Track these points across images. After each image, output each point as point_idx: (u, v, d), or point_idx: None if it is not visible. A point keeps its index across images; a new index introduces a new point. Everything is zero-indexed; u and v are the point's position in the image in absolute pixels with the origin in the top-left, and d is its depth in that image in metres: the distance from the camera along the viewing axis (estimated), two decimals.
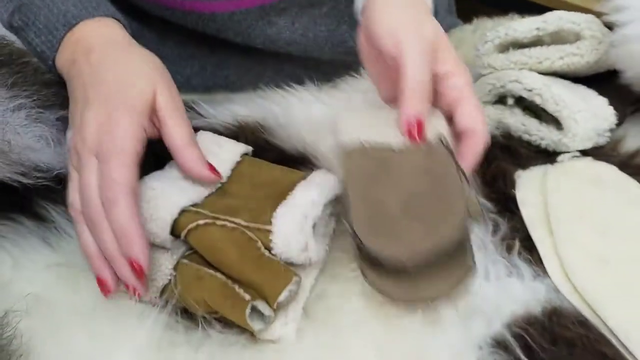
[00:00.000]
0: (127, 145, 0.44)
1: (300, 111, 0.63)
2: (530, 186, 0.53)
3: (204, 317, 0.45)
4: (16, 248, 0.50)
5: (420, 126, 0.47)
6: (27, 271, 0.49)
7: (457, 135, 0.49)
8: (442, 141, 0.49)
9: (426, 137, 0.48)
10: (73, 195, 0.46)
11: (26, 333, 0.44)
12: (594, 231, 0.49)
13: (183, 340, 0.45)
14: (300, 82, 0.66)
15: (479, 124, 0.48)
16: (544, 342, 0.44)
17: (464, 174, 0.48)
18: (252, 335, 0.45)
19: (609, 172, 0.55)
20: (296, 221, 0.45)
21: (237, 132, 0.59)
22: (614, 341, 0.44)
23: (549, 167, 0.55)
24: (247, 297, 0.43)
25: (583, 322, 0.45)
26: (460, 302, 0.47)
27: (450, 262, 0.45)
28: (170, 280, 0.46)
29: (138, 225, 0.43)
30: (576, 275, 0.47)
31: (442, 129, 0.50)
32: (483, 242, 0.51)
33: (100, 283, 0.45)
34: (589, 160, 0.56)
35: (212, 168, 0.48)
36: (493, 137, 0.59)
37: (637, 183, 0.54)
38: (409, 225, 0.45)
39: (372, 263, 0.45)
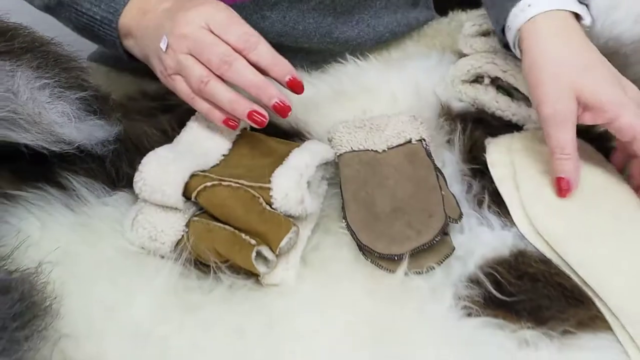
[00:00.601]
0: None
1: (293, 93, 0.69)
2: (498, 150, 0.60)
3: (215, 263, 0.51)
4: (43, 213, 0.55)
5: None
6: (53, 232, 0.54)
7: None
8: (423, 145, 0.57)
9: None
10: (182, 86, 0.57)
11: (57, 281, 0.50)
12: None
13: (196, 286, 0.51)
14: None
15: None
16: (511, 278, 0.51)
17: (442, 176, 0.57)
18: (257, 280, 0.52)
19: None
20: (292, 179, 0.51)
21: None
22: (572, 276, 0.50)
23: (515, 133, 0.62)
24: (253, 242, 0.49)
25: (545, 261, 0.52)
26: None
27: (434, 247, 0.52)
28: (183, 235, 0.53)
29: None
30: (539, 222, 0.54)
31: (423, 133, 0.57)
32: (458, 198, 0.58)
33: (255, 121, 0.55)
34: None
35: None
36: (469, 112, 0.67)
37: (594, 149, 0.61)
38: (397, 225, 0.53)
39: (367, 251, 0.52)
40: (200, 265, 0.52)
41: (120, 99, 0.70)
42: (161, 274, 0.51)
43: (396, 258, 0.51)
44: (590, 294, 0.49)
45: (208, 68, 0.56)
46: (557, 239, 0.52)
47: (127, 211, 0.56)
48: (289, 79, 0.56)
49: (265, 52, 0.56)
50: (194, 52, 0.56)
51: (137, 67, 0.70)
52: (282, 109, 0.55)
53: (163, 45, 0.57)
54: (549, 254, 0.52)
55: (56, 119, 0.55)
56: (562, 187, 0.54)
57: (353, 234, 0.53)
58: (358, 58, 0.73)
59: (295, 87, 0.57)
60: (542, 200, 0.55)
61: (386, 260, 0.52)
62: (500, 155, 0.59)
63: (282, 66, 0.56)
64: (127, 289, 0.50)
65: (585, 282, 0.49)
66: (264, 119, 0.55)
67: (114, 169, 0.60)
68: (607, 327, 0.47)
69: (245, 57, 0.56)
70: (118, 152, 0.61)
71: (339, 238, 0.55)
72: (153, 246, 0.53)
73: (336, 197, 0.58)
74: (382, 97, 0.67)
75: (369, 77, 0.70)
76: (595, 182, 0.56)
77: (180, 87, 0.58)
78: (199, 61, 0.56)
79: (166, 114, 0.67)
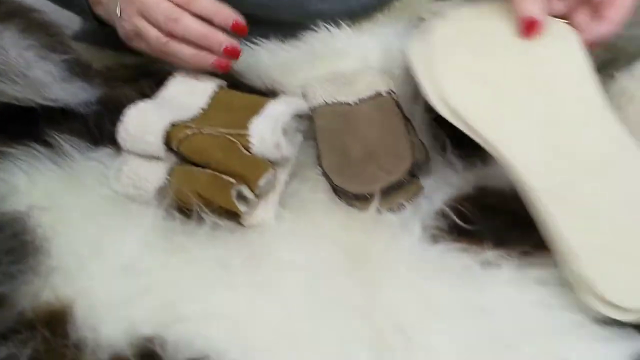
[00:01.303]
0: None
1: (268, 58, 0.73)
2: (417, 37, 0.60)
3: (198, 206, 0.54)
4: (31, 167, 0.58)
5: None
6: (40, 184, 0.57)
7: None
8: (392, 97, 0.60)
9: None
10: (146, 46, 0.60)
11: (46, 225, 0.52)
12: (471, 53, 0.56)
13: (180, 230, 0.54)
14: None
15: None
16: (473, 210, 0.54)
17: (411, 124, 0.60)
18: (239, 223, 0.55)
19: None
20: (269, 124, 0.55)
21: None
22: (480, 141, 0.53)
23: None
24: (233, 181, 0.52)
25: (504, 194, 0.55)
26: None
27: (404, 187, 0.56)
28: (165, 183, 0.56)
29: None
30: (452, 95, 0.54)
31: (392, 86, 0.61)
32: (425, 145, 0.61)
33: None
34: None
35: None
36: None
37: None
38: (368, 168, 0.56)
39: (342, 193, 0.56)
40: (183, 210, 0.55)
41: (100, 69, 0.73)
42: (146, 217, 0.54)
43: (368, 197, 0.54)
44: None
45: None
46: (473, 115, 0.53)
47: (111, 165, 0.58)
48: (233, 22, 0.60)
49: (206, 3, 0.59)
50: (143, 14, 0.59)
51: (117, 44, 0.73)
52: (233, 52, 0.59)
53: (117, 11, 0.60)
54: (465, 129, 0.54)
55: (42, 77, 0.58)
56: (526, 26, 0.54)
57: (328, 177, 0.56)
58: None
59: (240, 30, 0.60)
60: (457, 71, 0.55)
61: (359, 200, 0.55)
62: (418, 41, 0.60)
63: (224, 13, 0.60)
64: (113, 231, 0.53)
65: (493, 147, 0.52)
66: (236, 51, 0.59)
67: (97, 129, 0.63)
68: None
69: (189, 11, 0.59)
70: (101, 113, 0.64)
71: (315, 184, 0.58)
72: (137, 194, 0.56)
73: (311, 148, 0.61)
74: (354, 59, 0.71)
75: (341, 41, 0.73)
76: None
77: (146, 48, 0.61)
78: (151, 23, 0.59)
79: (146, 78, 0.70)
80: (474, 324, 0.46)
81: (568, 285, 0.47)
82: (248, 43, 0.75)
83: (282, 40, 0.77)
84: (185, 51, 0.59)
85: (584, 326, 0.46)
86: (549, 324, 0.46)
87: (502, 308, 0.47)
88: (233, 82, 0.68)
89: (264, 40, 0.75)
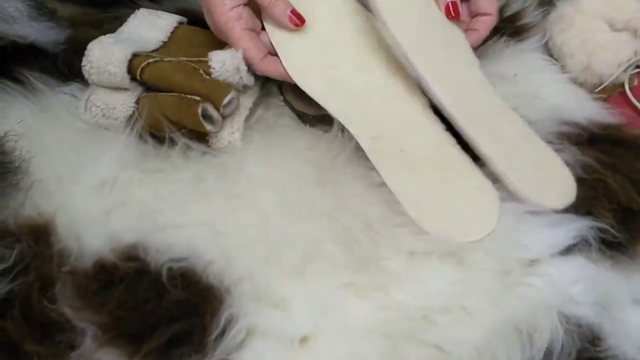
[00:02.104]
0: None
1: None
2: None
3: (168, 128, 0.56)
4: (2, 102, 0.60)
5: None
6: (12, 117, 0.58)
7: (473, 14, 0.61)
8: None
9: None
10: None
11: (23, 149, 0.54)
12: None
13: (153, 153, 0.56)
14: None
15: (494, 10, 0.60)
16: None
17: None
18: (208, 146, 0.57)
19: None
20: (228, 51, 0.57)
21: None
22: None
23: None
24: (197, 99, 0.54)
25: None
26: None
27: None
28: (134, 111, 0.58)
29: None
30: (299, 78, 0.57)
31: None
32: None
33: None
34: None
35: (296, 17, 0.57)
36: None
37: None
38: None
39: (304, 118, 0.59)
40: (155, 134, 0.57)
41: (65, 16, 0.74)
42: (119, 141, 0.55)
43: (327, 117, 0.57)
44: None
45: None
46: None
47: (81, 97, 0.60)
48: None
49: None
50: None
51: None
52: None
53: None
54: None
55: (11, 13, 0.59)
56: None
57: (289, 104, 0.59)
58: None
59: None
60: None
61: (320, 122, 0.58)
62: None
63: None
64: (88, 154, 0.55)
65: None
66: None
67: (66, 67, 0.64)
68: None
69: None
70: (69, 52, 0.65)
71: (279, 110, 0.61)
72: (107, 123, 0.57)
73: (275, 81, 0.64)
74: None
75: None
76: None
77: None
78: None
79: (112, 23, 0.71)
80: None
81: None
82: None
83: None
84: None
85: (534, 215, 0.50)
86: (503, 216, 0.50)
87: None
88: (198, 22, 0.70)
89: None
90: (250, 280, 0.46)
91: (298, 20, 0.57)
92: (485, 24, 0.61)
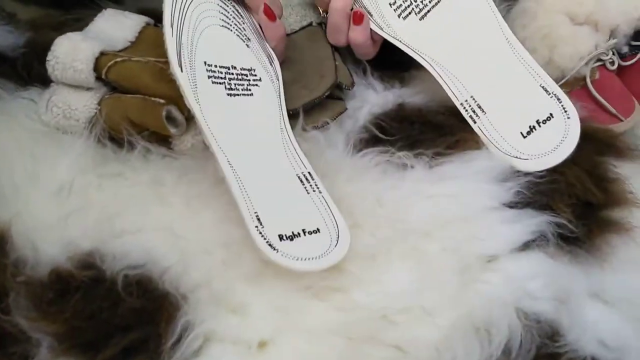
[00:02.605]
0: None
1: None
2: None
3: (128, 131, 0.55)
4: None
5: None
6: None
7: None
8: (322, 27, 0.64)
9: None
10: None
11: None
12: None
13: (114, 157, 0.56)
14: None
15: None
16: (392, 123, 0.59)
17: (339, 52, 0.63)
18: (170, 148, 0.57)
19: None
20: None
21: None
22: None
23: None
24: (162, 101, 0.54)
25: (419, 108, 0.59)
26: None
27: (328, 106, 0.59)
28: (96, 112, 0.57)
29: None
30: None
31: (322, 18, 0.64)
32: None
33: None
34: None
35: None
36: None
37: None
38: (294, 89, 0.59)
39: None
40: (115, 138, 0.57)
41: (25, 19, 0.73)
42: (78, 145, 0.55)
43: (291, 113, 0.57)
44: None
45: None
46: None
47: (40, 100, 0.59)
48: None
49: None
50: None
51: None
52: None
53: None
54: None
55: None
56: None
57: None
58: None
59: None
60: None
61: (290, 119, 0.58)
62: None
63: None
64: (46, 159, 0.54)
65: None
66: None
67: (25, 71, 0.63)
68: (471, 146, 0.55)
69: None
70: (29, 55, 0.65)
71: None
72: (68, 124, 0.57)
73: None
74: None
75: None
76: None
77: None
78: None
79: (74, 25, 0.70)
80: (390, 216, 0.50)
81: (481, 176, 0.52)
82: None
83: None
84: None
85: (493, 210, 0.50)
86: (461, 212, 0.50)
87: (416, 201, 0.51)
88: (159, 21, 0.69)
89: None
90: (208, 285, 0.46)
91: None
92: None
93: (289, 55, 0.61)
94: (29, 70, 0.63)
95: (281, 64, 0.60)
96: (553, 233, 0.49)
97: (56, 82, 0.58)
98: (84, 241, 0.49)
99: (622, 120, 0.64)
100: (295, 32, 0.64)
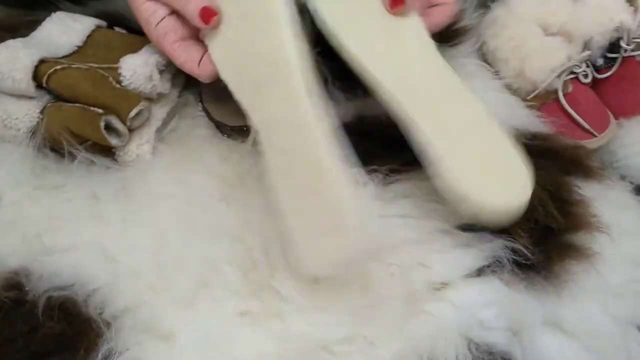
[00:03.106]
0: None
1: None
2: None
3: (72, 146, 0.52)
4: None
5: None
6: None
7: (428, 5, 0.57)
8: None
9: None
10: None
11: None
12: None
13: (55, 168, 0.53)
14: None
15: None
16: (350, 137, 0.55)
17: None
18: (114, 159, 0.54)
19: None
20: (141, 58, 0.54)
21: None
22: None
23: None
24: (100, 111, 0.51)
25: (382, 120, 0.56)
26: None
27: None
28: (38, 122, 0.54)
29: None
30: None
31: None
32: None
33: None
34: None
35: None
36: None
37: None
38: None
39: (222, 127, 0.56)
40: (56, 148, 0.54)
41: None
42: (15, 155, 0.52)
43: (245, 129, 0.54)
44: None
45: None
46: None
47: None
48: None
49: None
50: None
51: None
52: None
53: None
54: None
55: None
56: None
57: (207, 113, 0.56)
58: None
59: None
60: None
61: (238, 132, 0.55)
62: None
63: None
64: None
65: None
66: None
67: None
68: None
69: None
70: None
71: (196, 121, 0.58)
72: (8, 134, 0.54)
73: (196, 87, 0.61)
74: None
75: None
76: None
77: None
78: None
79: (31, 27, 0.68)
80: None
81: (437, 196, 0.49)
82: None
83: None
84: None
85: (446, 234, 0.47)
86: (412, 234, 0.47)
87: (366, 221, 0.48)
88: (120, 25, 0.67)
89: None
90: (135, 310, 0.43)
91: (207, 18, 0.53)
92: (441, 12, 0.56)
93: None
94: None
95: None
96: (509, 259, 0.46)
97: None
98: (11, 259, 0.46)
99: (596, 136, 0.61)
100: None
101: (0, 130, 0.54)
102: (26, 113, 0.54)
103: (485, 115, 0.49)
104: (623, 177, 0.59)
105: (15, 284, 0.44)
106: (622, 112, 0.63)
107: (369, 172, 0.51)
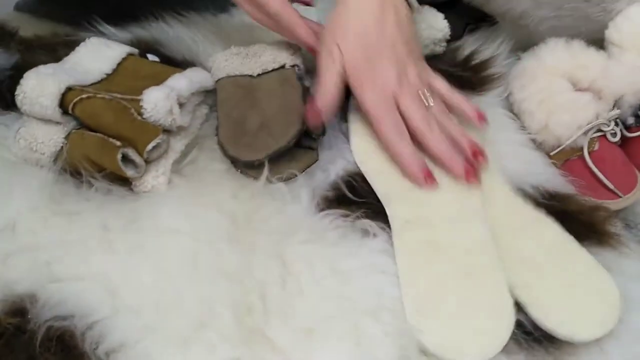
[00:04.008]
0: None
1: (191, 30, 0.73)
2: None
3: (90, 174, 0.54)
4: None
5: None
6: None
7: None
8: (295, 70, 0.61)
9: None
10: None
11: None
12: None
13: (74, 192, 0.55)
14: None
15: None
16: (364, 185, 0.56)
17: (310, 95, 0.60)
18: (130, 189, 0.55)
19: None
20: (162, 91, 0.55)
21: (133, 45, 0.69)
22: None
23: None
24: (118, 143, 0.53)
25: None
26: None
27: (296, 156, 0.57)
28: (62, 147, 0.56)
29: None
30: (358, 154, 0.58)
31: (296, 60, 0.62)
32: (331, 122, 0.62)
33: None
34: None
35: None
36: None
37: None
38: (260, 136, 0.57)
39: (236, 163, 0.57)
40: (77, 174, 0.55)
41: (29, 36, 0.74)
42: (36, 180, 0.54)
43: (257, 163, 0.55)
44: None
45: None
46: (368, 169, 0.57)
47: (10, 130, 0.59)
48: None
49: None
50: None
51: (54, 14, 0.73)
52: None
53: None
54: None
55: None
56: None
57: (222, 148, 0.57)
58: None
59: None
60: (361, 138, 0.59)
61: (250, 169, 0.56)
62: None
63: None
64: (2, 191, 0.53)
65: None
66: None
67: (9, 93, 0.63)
68: None
69: None
70: (15, 78, 0.64)
71: (213, 154, 0.59)
72: (34, 157, 0.56)
73: (215, 120, 0.62)
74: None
75: None
76: None
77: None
78: None
79: (67, 48, 0.70)
80: (337, 289, 0.47)
81: None
82: (174, 14, 0.76)
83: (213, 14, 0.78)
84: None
85: None
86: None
87: (369, 274, 0.48)
88: (150, 50, 0.68)
89: (189, 12, 0.76)
90: (129, 348, 0.44)
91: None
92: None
93: (258, 98, 0.59)
94: (13, 93, 0.63)
95: (249, 108, 0.58)
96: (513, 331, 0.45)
97: (26, 114, 0.57)
98: (20, 284, 0.47)
99: (620, 197, 0.59)
100: (267, 72, 0.61)
101: (26, 153, 0.56)
102: (51, 138, 0.56)
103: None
104: None
105: (20, 310, 0.46)
106: None
107: (379, 224, 0.51)
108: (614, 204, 0.58)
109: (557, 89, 0.60)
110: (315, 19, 0.70)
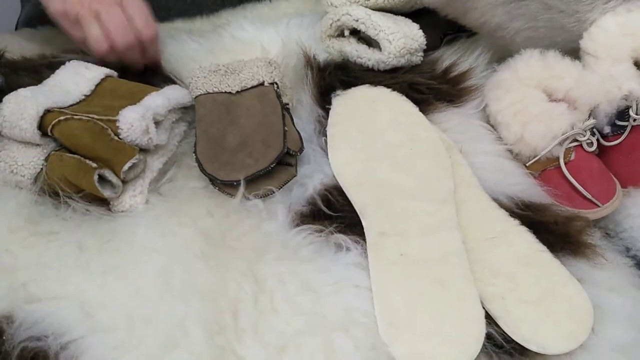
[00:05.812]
0: None
1: (173, 49, 0.74)
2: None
3: (67, 195, 0.54)
4: None
5: None
6: None
7: None
8: (274, 88, 0.62)
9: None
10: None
11: None
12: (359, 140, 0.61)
13: (52, 213, 0.55)
14: None
15: None
16: (340, 199, 0.56)
17: (290, 115, 0.61)
18: (109, 209, 0.56)
19: (381, 94, 0.65)
20: (138, 111, 0.56)
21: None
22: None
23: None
24: (94, 165, 0.53)
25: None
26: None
27: (274, 174, 0.57)
28: (42, 169, 0.57)
29: None
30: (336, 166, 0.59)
31: (276, 77, 0.63)
32: (309, 135, 0.63)
33: None
34: (366, 86, 0.67)
35: None
36: (332, 61, 0.72)
37: (407, 100, 0.65)
38: (239, 156, 0.57)
39: (214, 180, 0.57)
40: (55, 195, 0.56)
41: (15, 58, 0.75)
42: (15, 201, 0.55)
43: (235, 184, 0.55)
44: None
45: None
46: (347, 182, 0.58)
47: None
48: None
49: None
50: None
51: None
52: None
53: None
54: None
55: None
56: None
57: (200, 165, 0.57)
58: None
59: None
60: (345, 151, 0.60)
61: (228, 186, 0.56)
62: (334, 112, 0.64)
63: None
64: None
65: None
66: None
67: None
68: None
69: None
70: None
71: (191, 171, 0.60)
72: (14, 179, 0.57)
73: (192, 136, 0.62)
74: (254, 49, 0.72)
75: (246, 32, 0.74)
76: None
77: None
78: None
79: (51, 70, 0.71)
80: (309, 307, 0.47)
81: None
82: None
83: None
84: None
85: None
86: None
87: (342, 289, 0.48)
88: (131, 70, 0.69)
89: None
90: None
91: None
92: None
93: (237, 115, 0.60)
94: None
95: (228, 125, 0.59)
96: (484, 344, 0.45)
97: (6, 137, 0.58)
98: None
99: (598, 206, 0.59)
100: (246, 89, 0.62)
101: (7, 176, 0.57)
102: (31, 160, 0.57)
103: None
104: (628, 250, 0.57)
105: None
106: (632, 181, 0.61)
107: (352, 239, 0.51)
108: (592, 214, 0.58)
109: (532, 100, 0.60)
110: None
